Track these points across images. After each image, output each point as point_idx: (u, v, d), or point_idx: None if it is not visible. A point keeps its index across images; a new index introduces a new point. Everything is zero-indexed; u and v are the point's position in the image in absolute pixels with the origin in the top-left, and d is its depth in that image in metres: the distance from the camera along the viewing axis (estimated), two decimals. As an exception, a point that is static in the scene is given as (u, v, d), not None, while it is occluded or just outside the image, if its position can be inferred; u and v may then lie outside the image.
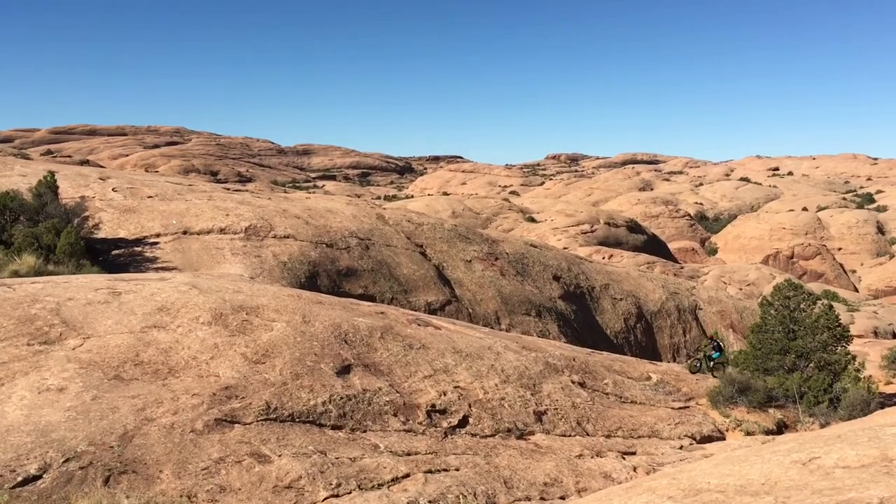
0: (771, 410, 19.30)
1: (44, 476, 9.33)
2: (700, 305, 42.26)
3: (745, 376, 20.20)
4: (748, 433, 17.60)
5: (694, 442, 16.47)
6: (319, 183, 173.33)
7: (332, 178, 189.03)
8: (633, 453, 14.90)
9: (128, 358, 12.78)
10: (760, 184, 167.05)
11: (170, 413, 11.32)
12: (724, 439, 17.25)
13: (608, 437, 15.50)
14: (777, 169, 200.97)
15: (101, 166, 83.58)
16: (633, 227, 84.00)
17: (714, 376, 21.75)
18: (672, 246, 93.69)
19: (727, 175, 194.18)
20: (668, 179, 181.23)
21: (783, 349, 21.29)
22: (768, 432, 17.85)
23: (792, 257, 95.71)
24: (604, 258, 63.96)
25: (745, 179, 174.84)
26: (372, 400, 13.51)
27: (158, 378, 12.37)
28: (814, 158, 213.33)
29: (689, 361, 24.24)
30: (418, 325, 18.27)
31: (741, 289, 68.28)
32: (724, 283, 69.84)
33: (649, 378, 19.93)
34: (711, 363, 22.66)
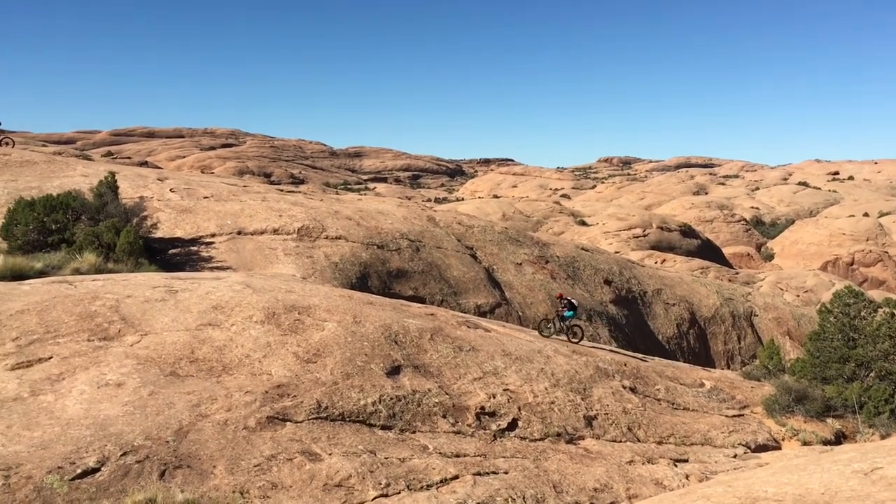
0: (829, 420, 18.79)
1: (102, 469, 9.55)
2: (755, 312, 41.40)
3: (802, 385, 19.71)
4: (805, 443, 17.16)
5: (748, 450, 16.12)
6: (370, 185, 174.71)
7: (383, 180, 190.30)
8: (686, 461, 14.65)
9: (183, 355, 13.03)
10: (819, 188, 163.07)
11: (223, 410, 11.50)
12: (779, 449, 16.85)
13: (660, 443, 15.27)
14: (837, 173, 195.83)
15: (159, 167, 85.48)
16: (687, 231, 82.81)
17: (571, 341, 20.38)
18: (727, 251, 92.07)
19: (785, 179, 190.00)
20: (723, 183, 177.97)
21: (842, 358, 20.71)
22: (826, 442, 17.38)
23: (852, 264, 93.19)
24: (656, 263, 63.11)
25: (804, 184, 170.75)
26: (421, 401, 13.53)
27: (213, 375, 12.59)
28: (875, 163, 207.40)
29: (540, 323, 21.53)
30: (468, 327, 18.26)
31: (798, 295, 66.71)
32: (781, 289, 68.32)
33: (703, 385, 19.58)
34: (566, 323, 20.83)
